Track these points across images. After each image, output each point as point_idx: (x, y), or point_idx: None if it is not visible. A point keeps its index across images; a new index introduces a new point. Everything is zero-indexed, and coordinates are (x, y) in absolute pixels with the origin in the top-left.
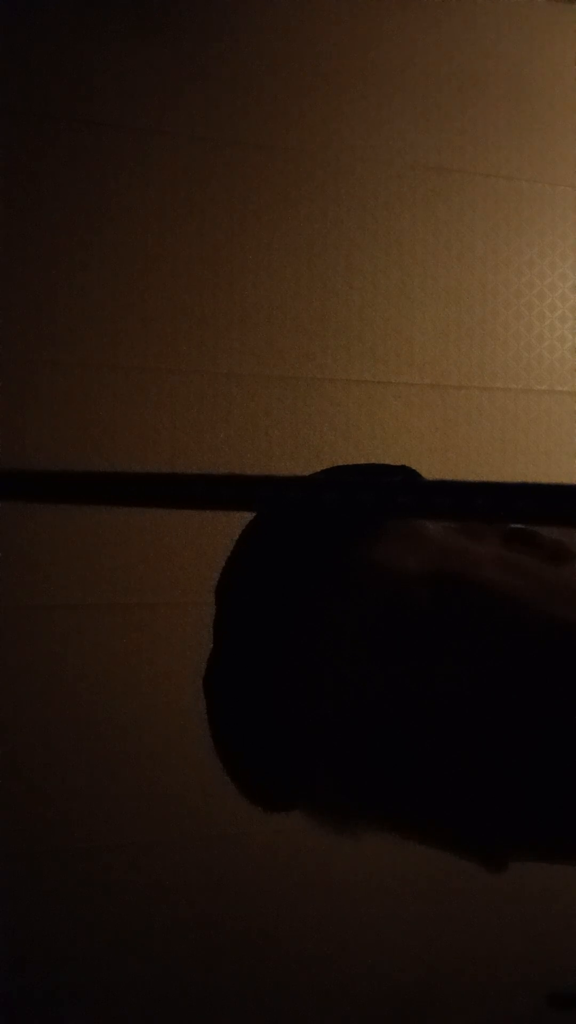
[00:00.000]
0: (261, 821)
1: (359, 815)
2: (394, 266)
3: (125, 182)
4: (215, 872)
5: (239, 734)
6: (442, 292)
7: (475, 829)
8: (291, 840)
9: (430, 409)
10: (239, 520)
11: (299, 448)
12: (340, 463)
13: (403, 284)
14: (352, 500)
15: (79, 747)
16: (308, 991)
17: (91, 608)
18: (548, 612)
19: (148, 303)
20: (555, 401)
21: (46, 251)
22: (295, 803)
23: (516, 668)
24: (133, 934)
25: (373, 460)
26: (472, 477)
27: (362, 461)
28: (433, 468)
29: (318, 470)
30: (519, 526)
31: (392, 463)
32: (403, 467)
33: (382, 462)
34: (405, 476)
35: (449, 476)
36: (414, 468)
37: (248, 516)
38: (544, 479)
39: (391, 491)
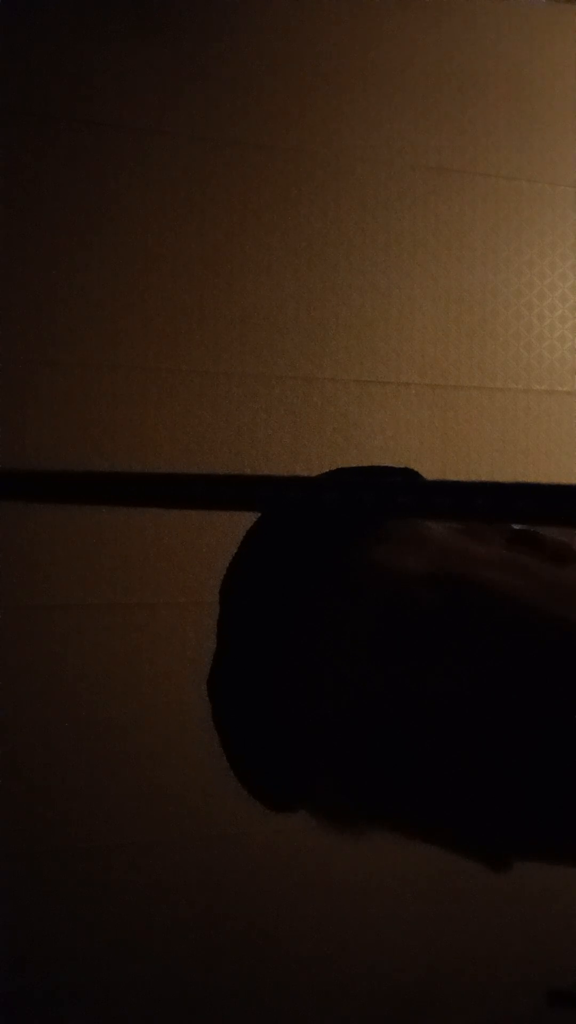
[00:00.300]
0: (261, 821)
1: (359, 815)
2: (394, 266)
3: (125, 182)
4: (215, 872)
5: (242, 735)
6: (442, 292)
7: (475, 829)
8: (291, 840)
9: (430, 409)
10: (239, 520)
11: (299, 448)
12: (340, 463)
13: (403, 284)
14: (352, 500)
15: (79, 747)
16: (308, 991)
17: (91, 608)
18: (549, 612)
19: (148, 303)
20: (555, 401)
21: (46, 251)
22: (298, 803)
23: (517, 668)
24: (133, 934)
25: (373, 460)
26: (472, 477)
27: (362, 461)
28: (433, 468)
29: (318, 470)
30: (522, 527)
31: (392, 463)
32: (405, 469)
33: (382, 462)
34: (405, 476)
35: (449, 476)
36: (414, 468)
37: (248, 516)
38: (544, 479)
39: (391, 491)
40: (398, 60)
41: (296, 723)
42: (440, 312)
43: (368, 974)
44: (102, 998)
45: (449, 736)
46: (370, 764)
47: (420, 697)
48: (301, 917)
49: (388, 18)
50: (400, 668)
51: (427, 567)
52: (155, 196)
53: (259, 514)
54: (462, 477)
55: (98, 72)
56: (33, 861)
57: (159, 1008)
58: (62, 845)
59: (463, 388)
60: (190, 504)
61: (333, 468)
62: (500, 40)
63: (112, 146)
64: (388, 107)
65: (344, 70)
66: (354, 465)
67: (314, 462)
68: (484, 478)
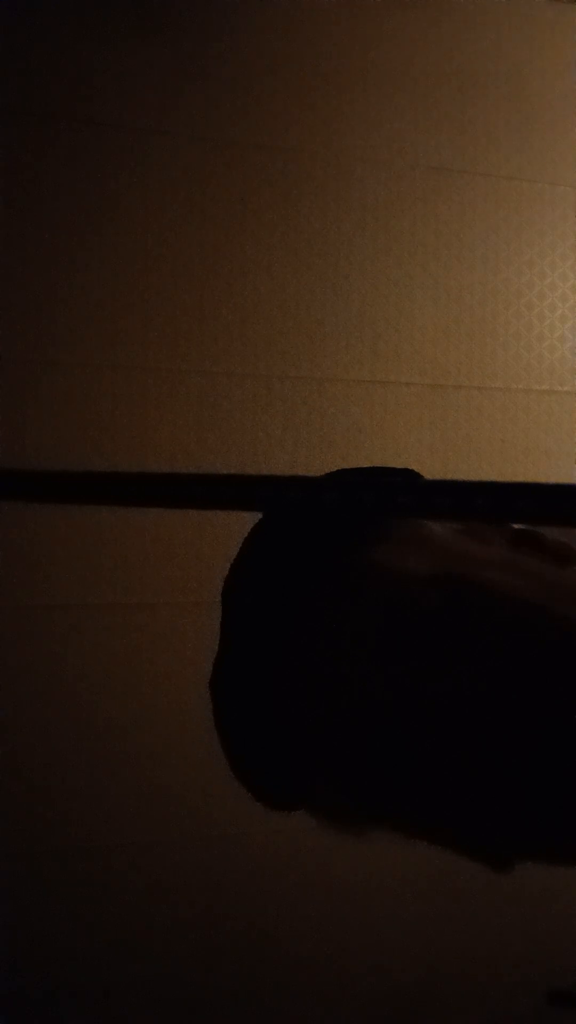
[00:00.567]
0: (261, 821)
1: (359, 815)
2: (394, 266)
3: (125, 182)
4: (215, 872)
5: (242, 734)
6: (442, 292)
7: (476, 829)
8: (291, 840)
9: (430, 409)
10: (239, 520)
11: (299, 448)
12: (340, 463)
13: (403, 284)
14: (352, 500)
15: (79, 747)
16: (308, 991)
17: (91, 608)
18: (550, 613)
19: (148, 303)
20: (555, 401)
21: (46, 251)
22: (298, 803)
23: (518, 668)
24: (133, 934)
25: (373, 460)
26: (472, 477)
27: (362, 461)
28: (433, 468)
29: (318, 470)
30: (523, 528)
31: (392, 463)
32: (405, 469)
33: (382, 462)
34: (405, 477)
35: (449, 476)
36: (414, 468)
37: (248, 516)
38: (544, 479)
39: (391, 491)
40: (398, 60)
41: (296, 723)
42: (440, 312)
43: (368, 974)
44: (102, 998)
45: (449, 736)
46: (370, 764)
47: (420, 697)
48: (301, 917)
49: (388, 18)
50: (400, 668)
51: (428, 567)
52: (155, 196)
53: (259, 514)
54: (462, 477)
55: (98, 72)
56: (33, 861)
57: (159, 1008)
58: (62, 845)
59: (463, 388)
60: (190, 504)
61: (333, 468)
62: (500, 40)
63: (112, 146)
64: (388, 107)
65: (344, 70)
66: (354, 465)
67: (314, 462)
68: (484, 478)
